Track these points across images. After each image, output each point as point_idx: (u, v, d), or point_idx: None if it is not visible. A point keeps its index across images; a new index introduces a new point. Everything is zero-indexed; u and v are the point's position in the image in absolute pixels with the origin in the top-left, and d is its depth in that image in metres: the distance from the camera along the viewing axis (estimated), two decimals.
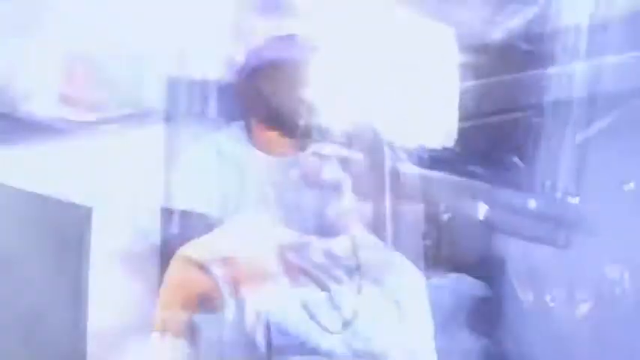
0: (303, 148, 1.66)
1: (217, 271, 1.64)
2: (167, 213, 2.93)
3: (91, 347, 3.01)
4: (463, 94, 3.21)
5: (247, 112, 1.76)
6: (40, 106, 3.10)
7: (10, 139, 3.00)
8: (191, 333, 1.65)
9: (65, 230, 3.09)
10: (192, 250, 1.72)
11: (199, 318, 1.65)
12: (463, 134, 3.19)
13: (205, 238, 1.77)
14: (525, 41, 3.49)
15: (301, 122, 1.66)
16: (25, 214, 2.98)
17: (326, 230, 1.71)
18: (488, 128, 3.48)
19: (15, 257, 2.89)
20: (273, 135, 1.69)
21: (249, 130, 1.75)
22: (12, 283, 2.86)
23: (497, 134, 3.57)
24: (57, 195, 3.01)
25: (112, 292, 2.96)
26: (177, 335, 1.66)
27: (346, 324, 1.67)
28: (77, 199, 3.08)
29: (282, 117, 1.68)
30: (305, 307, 1.64)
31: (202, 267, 1.66)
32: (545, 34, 3.37)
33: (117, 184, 3.05)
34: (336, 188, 1.67)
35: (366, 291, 1.72)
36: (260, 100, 1.70)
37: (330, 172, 1.66)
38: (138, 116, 3.15)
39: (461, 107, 3.19)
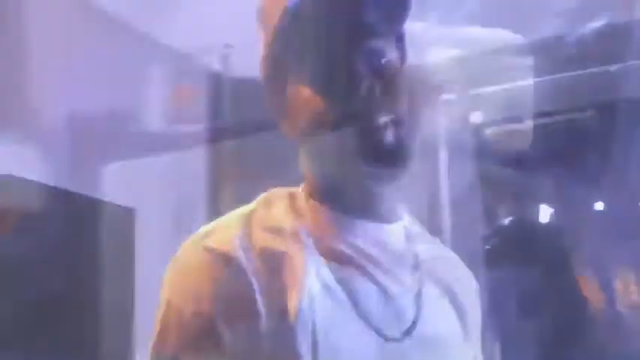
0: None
1: (249, 265, 1.22)
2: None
3: (139, 345, 3.00)
4: (535, 91, 3.09)
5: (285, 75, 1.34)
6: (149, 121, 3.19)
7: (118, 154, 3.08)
8: (213, 346, 1.22)
9: (111, 230, 3.06)
10: (212, 239, 1.27)
11: (224, 326, 1.22)
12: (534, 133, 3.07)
13: (224, 223, 1.31)
14: (598, 38, 3.33)
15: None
16: (76, 214, 2.97)
17: (378, 214, 1.36)
18: (557, 127, 3.33)
19: (67, 257, 2.90)
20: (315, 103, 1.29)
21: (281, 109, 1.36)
22: (64, 282, 2.86)
23: (568, 133, 3.41)
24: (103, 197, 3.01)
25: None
26: (187, 350, 1.24)
27: (407, 331, 1.29)
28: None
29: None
30: (356, 307, 1.25)
31: (230, 260, 1.23)
32: (618, 30, 3.21)
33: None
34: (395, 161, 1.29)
35: (427, 292, 1.34)
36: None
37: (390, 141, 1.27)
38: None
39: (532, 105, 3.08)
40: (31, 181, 2.75)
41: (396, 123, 1.25)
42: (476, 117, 3.69)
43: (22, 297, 2.68)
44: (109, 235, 3.03)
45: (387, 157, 1.25)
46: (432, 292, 1.34)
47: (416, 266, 1.34)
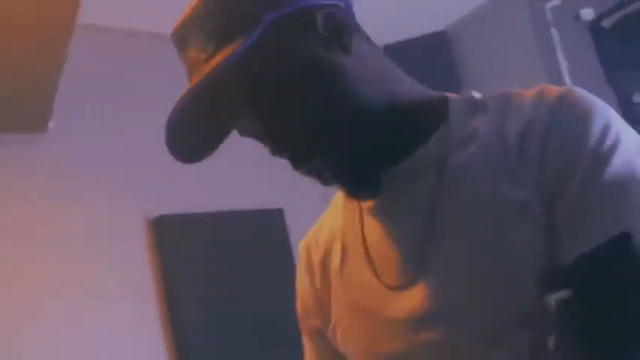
0: None
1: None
2: None
3: None
4: None
5: None
6: None
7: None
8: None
9: (266, 233, 3.11)
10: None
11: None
12: None
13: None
14: None
15: None
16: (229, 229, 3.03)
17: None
18: None
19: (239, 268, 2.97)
20: None
21: None
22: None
23: None
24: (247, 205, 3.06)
25: None
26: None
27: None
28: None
29: None
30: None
31: (302, 251, 1.21)
32: None
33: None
34: None
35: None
36: None
37: None
38: None
39: None
40: None
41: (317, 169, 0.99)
42: (587, 14, 3.35)
43: None
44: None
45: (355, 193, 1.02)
46: None
47: None
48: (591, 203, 0.84)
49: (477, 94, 0.99)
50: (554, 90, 0.92)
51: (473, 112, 0.96)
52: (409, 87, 0.99)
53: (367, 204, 1.02)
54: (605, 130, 0.88)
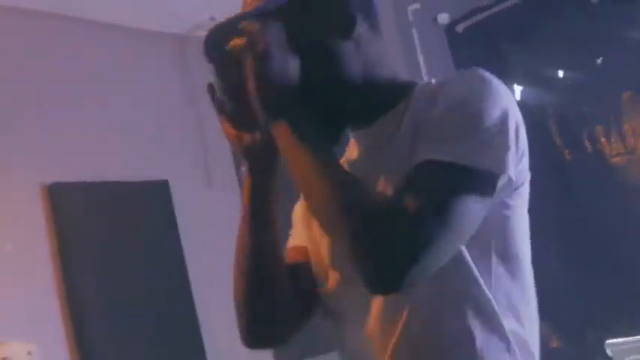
0: None
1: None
2: None
3: None
4: None
5: None
6: None
7: None
8: None
9: (152, 204, 3.41)
10: None
11: None
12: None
13: None
14: None
15: None
16: None
17: None
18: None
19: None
20: None
21: None
22: None
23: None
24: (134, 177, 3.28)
25: None
26: None
27: None
28: None
29: None
30: None
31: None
32: None
33: None
34: None
35: None
36: None
37: None
38: None
39: None
40: None
41: None
42: (443, 19, 3.74)
43: None
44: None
45: None
46: None
47: None
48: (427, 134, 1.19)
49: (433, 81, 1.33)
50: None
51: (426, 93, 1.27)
52: (388, 72, 1.31)
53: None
54: (471, 93, 1.19)
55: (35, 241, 2.98)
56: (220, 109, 1.29)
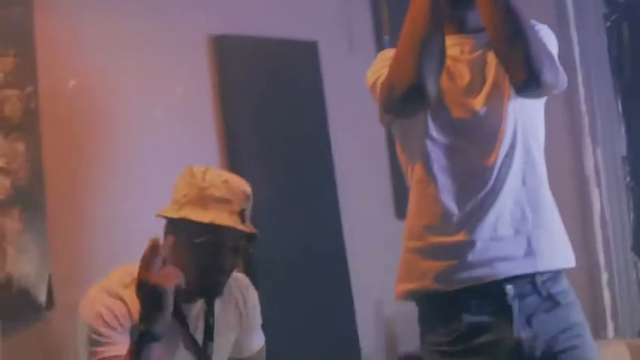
0: None
1: None
2: None
3: None
4: None
5: None
6: None
7: None
8: None
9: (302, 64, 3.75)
10: None
11: None
12: None
13: None
14: None
15: None
16: None
17: None
18: None
19: None
20: None
21: None
22: None
23: None
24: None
25: None
26: None
27: None
28: None
29: None
30: None
31: None
32: None
33: None
34: None
35: None
36: None
37: None
38: None
39: None
40: None
41: None
42: None
43: None
44: None
45: None
46: None
47: None
48: None
49: None
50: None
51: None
52: None
53: None
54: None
55: (201, 87, 3.34)
56: None
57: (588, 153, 4.20)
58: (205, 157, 3.16)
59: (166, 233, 2.25)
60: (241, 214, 2.24)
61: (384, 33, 3.79)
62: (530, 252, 2.04)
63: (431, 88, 1.97)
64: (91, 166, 2.99)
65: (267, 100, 3.47)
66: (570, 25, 4.12)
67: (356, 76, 3.67)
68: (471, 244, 2.02)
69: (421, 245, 2.09)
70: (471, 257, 2.02)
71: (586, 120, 4.17)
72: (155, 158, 3.09)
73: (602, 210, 4.19)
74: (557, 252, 2.09)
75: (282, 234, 3.32)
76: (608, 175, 4.23)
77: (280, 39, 3.55)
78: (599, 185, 4.20)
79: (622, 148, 4.30)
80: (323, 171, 3.60)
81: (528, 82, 1.95)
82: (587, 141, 4.19)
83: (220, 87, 3.38)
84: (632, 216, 4.20)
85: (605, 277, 4.13)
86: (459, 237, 2.03)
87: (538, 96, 2.07)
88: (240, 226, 2.22)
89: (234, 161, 3.34)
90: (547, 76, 1.96)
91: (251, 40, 3.46)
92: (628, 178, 4.27)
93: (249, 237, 2.26)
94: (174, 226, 2.24)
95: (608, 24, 4.21)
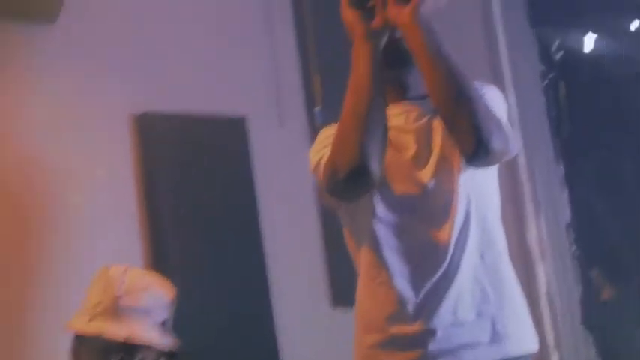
0: None
1: None
2: None
3: None
4: None
5: None
6: None
7: None
8: None
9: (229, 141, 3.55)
10: None
11: None
12: None
13: None
14: None
15: None
16: None
17: None
18: None
19: None
20: None
21: None
22: None
23: None
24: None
25: None
26: None
27: None
28: None
29: None
30: None
31: None
32: None
33: None
34: None
35: None
36: None
37: None
38: None
39: None
40: None
41: None
42: None
43: None
44: None
45: None
46: None
47: None
48: None
49: None
50: None
51: None
52: None
53: None
54: None
55: (124, 168, 3.19)
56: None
57: (531, 223, 4.04)
58: (127, 245, 3.05)
59: (75, 348, 2.04)
60: (162, 325, 2.02)
61: (316, 104, 3.66)
62: (495, 337, 1.92)
63: (375, 170, 1.86)
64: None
65: (194, 179, 3.31)
66: (506, 85, 3.94)
67: (287, 151, 3.63)
68: (431, 332, 1.90)
69: (381, 338, 1.96)
70: (433, 347, 1.89)
71: (527, 187, 4.03)
72: (74, 247, 2.94)
73: (548, 283, 4.00)
74: (523, 334, 1.99)
75: (207, 322, 3.11)
76: (553, 244, 4.08)
77: (207, 115, 3.41)
78: (543, 257, 4.01)
79: (566, 215, 4.17)
80: (253, 254, 3.41)
81: (477, 151, 1.85)
82: (530, 209, 4.04)
83: (144, 167, 3.23)
84: (580, 288, 4.05)
85: (555, 358, 3.91)
86: (418, 326, 1.91)
87: (488, 165, 1.97)
88: (160, 343, 2.01)
89: (158, 246, 3.17)
90: (496, 143, 1.86)
91: (176, 117, 3.31)
92: (574, 247, 4.13)
93: (171, 354, 2.04)
94: (85, 340, 2.02)
95: (546, 82, 4.08)
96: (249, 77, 3.60)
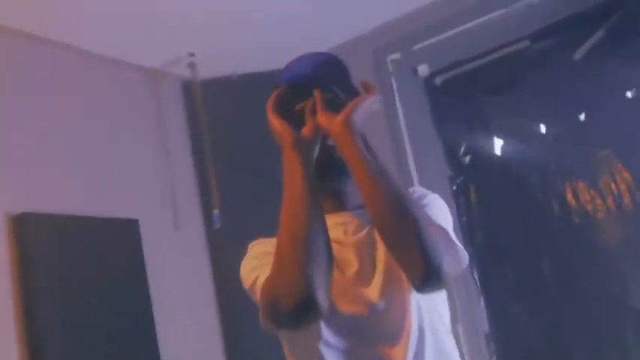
0: None
1: None
2: None
3: None
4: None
5: None
6: None
7: None
8: None
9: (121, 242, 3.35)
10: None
11: None
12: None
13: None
14: None
15: None
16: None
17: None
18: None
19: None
20: None
21: None
22: None
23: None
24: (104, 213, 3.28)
25: None
26: None
27: None
28: None
29: None
30: None
31: None
32: None
33: None
34: None
35: None
36: None
37: None
38: None
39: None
40: None
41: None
42: (423, 70, 3.76)
43: None
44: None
45: None
46: None
47: None
48: None
49: None
50: None
51: None
52: None
53: None
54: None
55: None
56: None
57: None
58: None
59: None
60: None
61: (214, 207, 3.48)
62: None
63: (323, 302, 1.61)
64: None
65: (80, 283, 3.06)
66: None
67: (182, 254, 3.45)
68: None
69: None
70: None
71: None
72: None
73: None
74: None
75: None
76: (473, 356, 3.86)
77: (95, 217, 3.21)
78: None
79: (484, 326, 3.97)
80: None
81: (427, 280, 1.61)
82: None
83: (22, 271, 2.96)
84: None
85: None
86: None
87: (440, 290, 1.74)
88: None
89: (36, 355, 2.86)
90: (448, 267, 1.62)
91: (60, 219, 3.09)
92: (494, 358, 3.91)
93: None
94: None
95: (455, 188, 3.94)
96: (143, 180, 3.43)
